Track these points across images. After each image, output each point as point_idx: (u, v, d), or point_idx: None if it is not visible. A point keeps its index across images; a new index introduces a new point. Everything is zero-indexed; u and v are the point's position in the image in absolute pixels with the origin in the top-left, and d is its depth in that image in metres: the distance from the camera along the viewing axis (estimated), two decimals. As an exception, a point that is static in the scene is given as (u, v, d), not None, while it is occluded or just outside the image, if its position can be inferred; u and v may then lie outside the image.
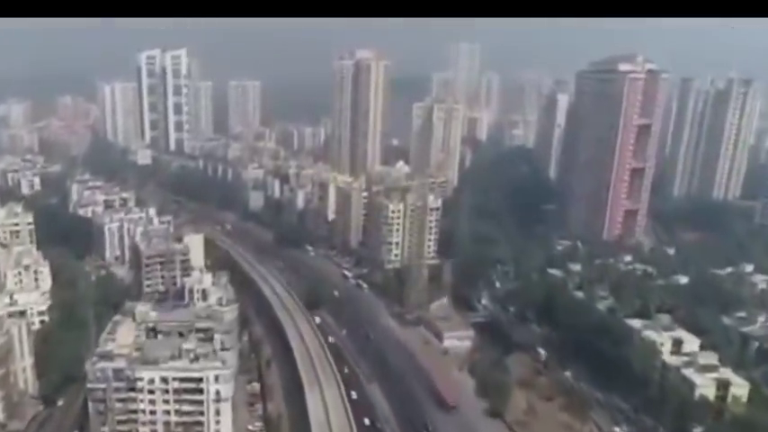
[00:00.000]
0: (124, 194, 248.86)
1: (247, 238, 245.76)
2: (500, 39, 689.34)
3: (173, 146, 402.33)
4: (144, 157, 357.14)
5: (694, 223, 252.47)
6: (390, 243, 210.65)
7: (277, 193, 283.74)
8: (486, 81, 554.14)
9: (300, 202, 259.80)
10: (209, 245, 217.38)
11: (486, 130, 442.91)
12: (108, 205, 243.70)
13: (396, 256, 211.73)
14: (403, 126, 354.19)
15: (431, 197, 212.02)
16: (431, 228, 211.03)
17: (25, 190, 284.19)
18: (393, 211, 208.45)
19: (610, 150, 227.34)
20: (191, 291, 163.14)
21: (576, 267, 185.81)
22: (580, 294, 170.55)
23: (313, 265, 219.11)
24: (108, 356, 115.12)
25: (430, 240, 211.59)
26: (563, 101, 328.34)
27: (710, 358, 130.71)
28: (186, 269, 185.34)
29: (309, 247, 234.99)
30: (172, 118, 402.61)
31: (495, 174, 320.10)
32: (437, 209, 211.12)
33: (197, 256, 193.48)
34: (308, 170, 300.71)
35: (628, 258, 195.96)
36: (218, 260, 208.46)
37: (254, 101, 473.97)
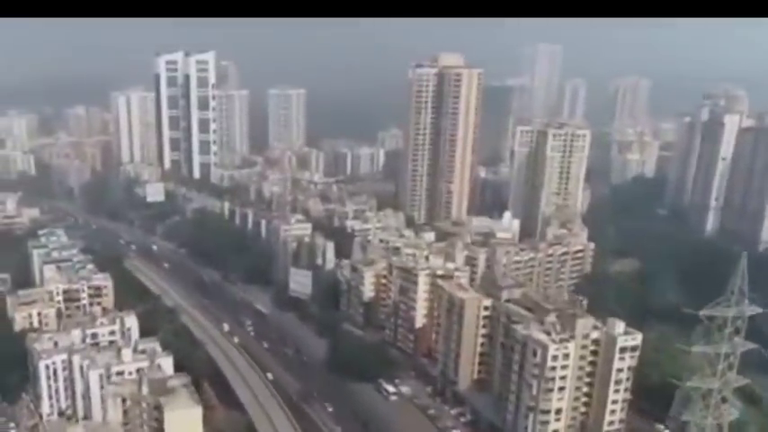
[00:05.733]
0: (97, 280, 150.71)
1: (284, 353, 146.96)
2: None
3: (197, 172, 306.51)
4: (155, 193, 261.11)
5: None
6: (548, 411, 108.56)
7: (330, 264, 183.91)
8: (572, 89, 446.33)
9: (368, 288, 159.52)
10: (218, 386, 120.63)
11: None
12: (70, 298, 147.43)
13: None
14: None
15: (619, 324, 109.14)
16: (618, 382, 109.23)
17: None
18: (555, 357, 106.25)
19: None
20: None
21: None
22: None
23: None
24: None
25: (615, 403, 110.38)
26: (732, 124, 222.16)
27: None
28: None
29: (387, 386, 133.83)
30: (196, 137, 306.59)
31: (635, 230, 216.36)
32: (633, 348, 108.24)
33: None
34: (374, 224, 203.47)
35: None
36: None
37: (299, 113, 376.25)
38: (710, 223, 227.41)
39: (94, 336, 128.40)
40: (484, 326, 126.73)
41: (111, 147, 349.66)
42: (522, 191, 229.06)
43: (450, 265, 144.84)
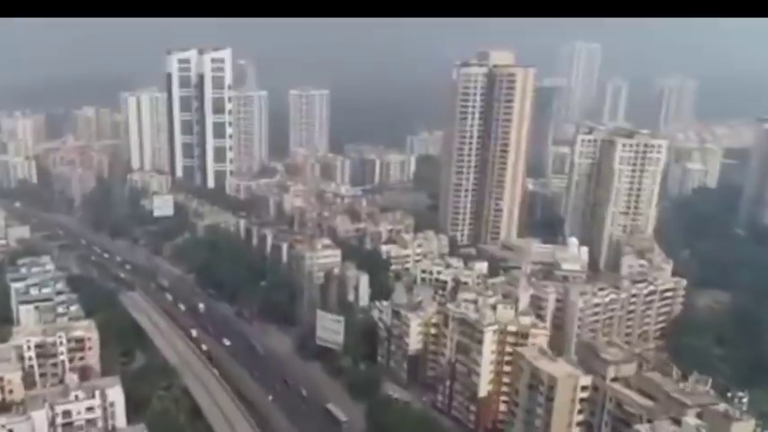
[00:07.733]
0: (80, 329, 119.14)
1: (313, 425, 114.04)
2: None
3: (211, 181, 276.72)
4: (163, 207, 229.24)
5: None
6: None
7: (364, 301, 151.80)
8: (613, 90, 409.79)
9: (414, 339, 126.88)
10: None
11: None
12: (45, 353, 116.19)
13: None
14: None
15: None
16: None
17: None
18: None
19: None
20: None
21: None
22: None
23: None
24: None
25: None
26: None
27: None
28: None
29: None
30: (211, 143, 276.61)
31: (716, 255, 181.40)
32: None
33: None
34: (413, 249, 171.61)
35: None
36: None
37: (322, 116, 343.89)
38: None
39: (67, 414, 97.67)
40: (580, 410, 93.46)
41: (119, 151, 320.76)
42: (581, 209, 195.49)
43: (525, 320, 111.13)
